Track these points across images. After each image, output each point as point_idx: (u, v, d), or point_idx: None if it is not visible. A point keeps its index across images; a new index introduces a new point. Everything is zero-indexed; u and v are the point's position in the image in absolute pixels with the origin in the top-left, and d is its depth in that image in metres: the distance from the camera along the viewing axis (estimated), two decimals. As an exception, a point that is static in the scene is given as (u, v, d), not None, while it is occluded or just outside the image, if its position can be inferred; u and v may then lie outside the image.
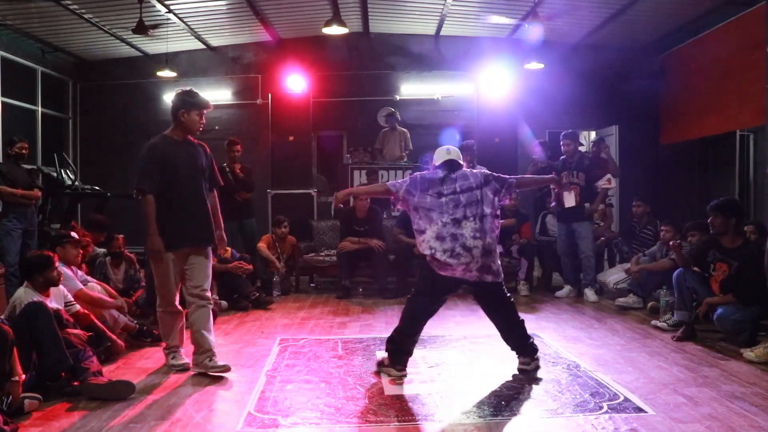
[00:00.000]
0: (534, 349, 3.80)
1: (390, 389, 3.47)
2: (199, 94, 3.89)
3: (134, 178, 3.77)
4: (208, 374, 3.73)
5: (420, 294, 3.79)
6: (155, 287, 3.95)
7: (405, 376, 3.63)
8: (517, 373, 3.74)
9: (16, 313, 3.54)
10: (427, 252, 3.61)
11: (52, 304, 3.81)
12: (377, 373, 3.71)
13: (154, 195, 3.72)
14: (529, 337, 3.81)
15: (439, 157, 3.89)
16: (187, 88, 3.95)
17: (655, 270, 5.53)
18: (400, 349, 3.69)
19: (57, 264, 3.92)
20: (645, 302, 5.73)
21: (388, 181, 8.11)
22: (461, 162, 3.89)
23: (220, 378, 3.73)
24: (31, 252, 4.35)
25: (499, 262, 3.73)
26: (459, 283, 3.69)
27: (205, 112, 3.88)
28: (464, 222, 3.59)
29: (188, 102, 3.82)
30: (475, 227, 3.58)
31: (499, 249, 6.69)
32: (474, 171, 3.88)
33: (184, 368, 3.88)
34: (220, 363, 3.79)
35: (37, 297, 3.70)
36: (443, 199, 3.65)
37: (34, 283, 3.80)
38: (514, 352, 3.81)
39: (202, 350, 3.79)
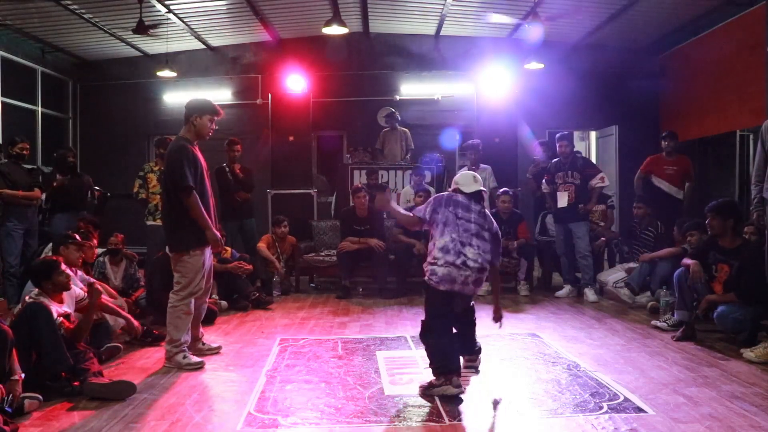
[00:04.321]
0: (479, 350, 4.00)
1: (390, 389, 3.47)
2: (211, 102, 4.12)
3: (176, 178, 3.86)
4: (204, 354, 4.19)
5: (430, 326, 3.70)
6: (181, 283, 3.97)
7: (463, 391, 3.44)
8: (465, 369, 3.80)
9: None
10: (429, 267, 3.79)
11: (65, 308, 3.80)
12: (427, 397, 3.41)
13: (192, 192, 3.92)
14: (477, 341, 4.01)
15: (468, 184, 3.94)
16: (200, 97, 4.19)
17: (665, 256, 5.69)
18: (447, 369, 3.51)
19: (63, 267, 3.83)
20: (635, 298, 5.91)
21: (388, 182, 8.14)
22: (484, 195, 4.01)
23: (220, 377, 3.75)
24: (36, 259, 4.35)
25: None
26: (456, 296, 3.77)
27: (215, 118, 4.12)
28: (468, 247, 3.74)
29: (201, 107, 4.06)
30: (477, 253, 3.74)
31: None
32: (493, 220, 3.94)
33: (198, 367, 3.93)
34: (214, 345, 4.36)
35: (48, 302, 3.59)
36: (459, 221, 3.84)
37: (44, 290, 3.70)
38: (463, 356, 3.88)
39: (196, 338, 4.24)
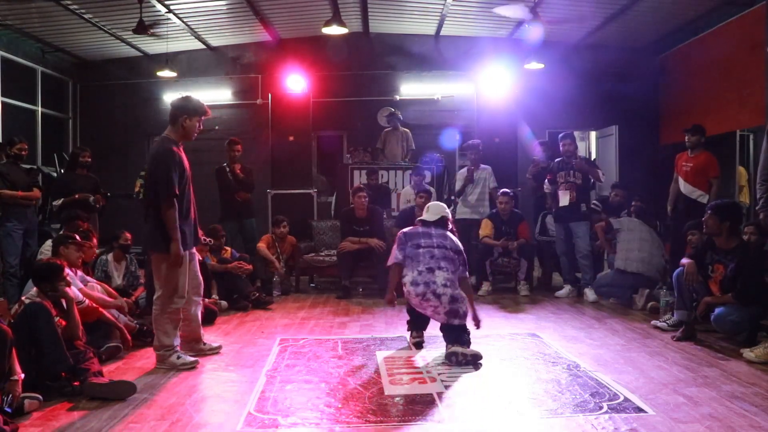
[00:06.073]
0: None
1: (390, 389, 3.47)
2: (199, 101, 4.00)
3: (161, 185, 3.76)
4: (205, 354, 4.20)
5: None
6: (162, 288, 3.91)
7: (422, 342, 4.42)
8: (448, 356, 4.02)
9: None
10: (405, 290, 4.25)
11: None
12: (413, 345, 4.43)
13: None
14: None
15: (431, 215, 4.41)
16: (187, 95, 4.07)
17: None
18: (414, 327, 4.52)
19: (66, 273, 3.83)
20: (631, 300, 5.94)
21: (388, 182, 8.15)
22: (449, 223, 4.47)
23: (220, 377, 3.75)
24: (41, 259, 4.33)
25: (466, 308, 4.14)
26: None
27: (203, 118, 4.01)
28: (437, 271, 4.11)
29: (190, 108, 3.92)
30: (447, 277, 4.12)
31: (498, 250, 6.74)
32: (454, 238, 4.37)
33: (193, 366, 3.92)
34: (214, 345, 4.34)
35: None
36: (420, 250, 4.21)
37: (42, 290, 3.72)
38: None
39: (197, 339, 4.25)
